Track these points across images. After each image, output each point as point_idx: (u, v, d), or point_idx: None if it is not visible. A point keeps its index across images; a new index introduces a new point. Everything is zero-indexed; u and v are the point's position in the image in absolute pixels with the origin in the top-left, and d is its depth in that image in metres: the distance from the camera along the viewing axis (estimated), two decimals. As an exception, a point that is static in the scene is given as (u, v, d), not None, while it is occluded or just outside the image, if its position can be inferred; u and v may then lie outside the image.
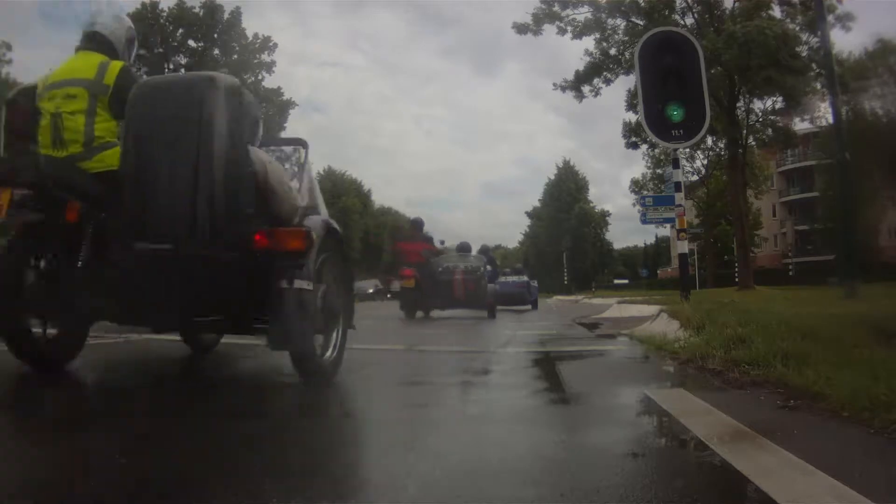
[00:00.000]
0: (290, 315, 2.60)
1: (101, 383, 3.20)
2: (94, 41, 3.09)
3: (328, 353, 3.00)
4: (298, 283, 2.62)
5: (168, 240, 2.51)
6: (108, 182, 2.74)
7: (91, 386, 3.13)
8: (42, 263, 2.74)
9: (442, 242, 11.81)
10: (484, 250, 13.19)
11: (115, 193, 2.64)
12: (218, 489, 1.43)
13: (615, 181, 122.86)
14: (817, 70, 18.00)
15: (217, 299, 2.80)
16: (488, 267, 11.16)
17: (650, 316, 6.63)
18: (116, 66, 2.99)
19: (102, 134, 2.89)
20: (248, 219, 2.61)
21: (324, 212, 3.43)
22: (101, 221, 2.69)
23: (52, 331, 2.91)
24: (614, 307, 12.47)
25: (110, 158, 2.83)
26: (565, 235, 63.69)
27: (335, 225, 3.14)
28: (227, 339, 4.17)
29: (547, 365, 3.90)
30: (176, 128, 2.57)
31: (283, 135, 35.22)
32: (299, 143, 3.68)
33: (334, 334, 3.08)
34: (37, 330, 2.82)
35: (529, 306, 16.42)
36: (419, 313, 10.48)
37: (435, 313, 10.80)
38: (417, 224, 11.14)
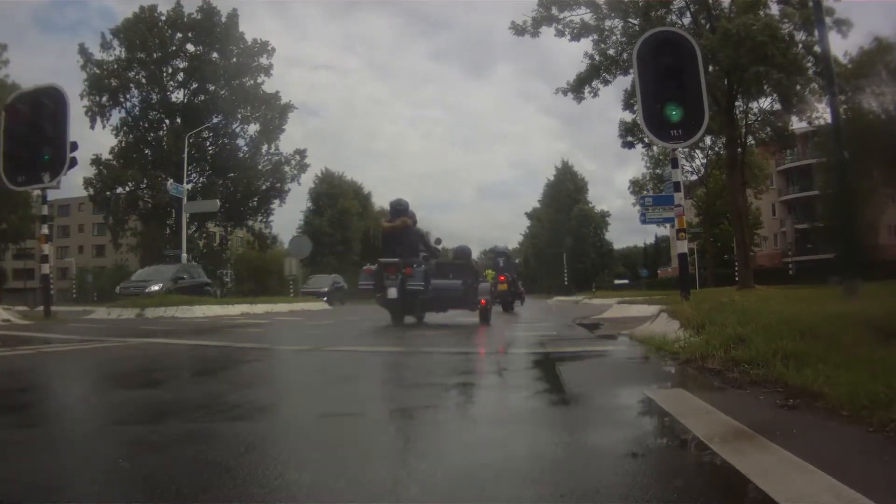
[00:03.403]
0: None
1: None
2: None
3: None
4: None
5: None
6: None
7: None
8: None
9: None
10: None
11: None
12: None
13: (608, 182, 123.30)
14: (810, 67, 18.01)
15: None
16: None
17: (650, 316, 6.62)
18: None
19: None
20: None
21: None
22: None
23: None
24: (614, 308, 12.49)
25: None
26: (565, 236, 63.63)
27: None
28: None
29: (548, 366, 3.91)
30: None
31: (283, 138, 35.64)
32: None
33: None
34: None
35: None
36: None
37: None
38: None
